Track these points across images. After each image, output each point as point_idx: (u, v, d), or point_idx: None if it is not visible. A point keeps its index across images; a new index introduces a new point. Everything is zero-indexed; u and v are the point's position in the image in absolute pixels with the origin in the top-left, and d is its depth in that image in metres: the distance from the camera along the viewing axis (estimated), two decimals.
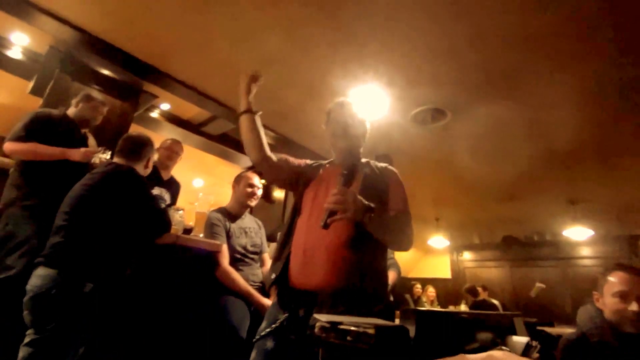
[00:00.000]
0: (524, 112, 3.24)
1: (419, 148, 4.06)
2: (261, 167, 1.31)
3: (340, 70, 2.84)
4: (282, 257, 1.22)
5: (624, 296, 1.26)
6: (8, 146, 1.94)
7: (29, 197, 1.89)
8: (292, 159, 1.39)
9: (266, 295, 1.97)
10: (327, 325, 0.75)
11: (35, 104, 2.89)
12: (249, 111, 1.29)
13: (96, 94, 2.40)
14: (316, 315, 0.84)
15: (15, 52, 3.09)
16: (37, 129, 1.99)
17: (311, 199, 1.26)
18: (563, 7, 2.14)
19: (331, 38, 2.54)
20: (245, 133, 1.29)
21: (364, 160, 1.37)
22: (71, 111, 2.21)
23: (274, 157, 1.33)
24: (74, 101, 2.25)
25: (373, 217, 1.05)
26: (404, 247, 1.22)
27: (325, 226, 1.01)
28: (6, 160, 2.19)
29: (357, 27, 2.43)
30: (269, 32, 2.54)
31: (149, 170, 1.91)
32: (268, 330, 1.12)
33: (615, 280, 1.31)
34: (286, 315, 1.11)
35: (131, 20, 2.58)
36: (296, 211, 1.30)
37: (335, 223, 1.05)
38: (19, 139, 1.94)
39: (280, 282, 1.19)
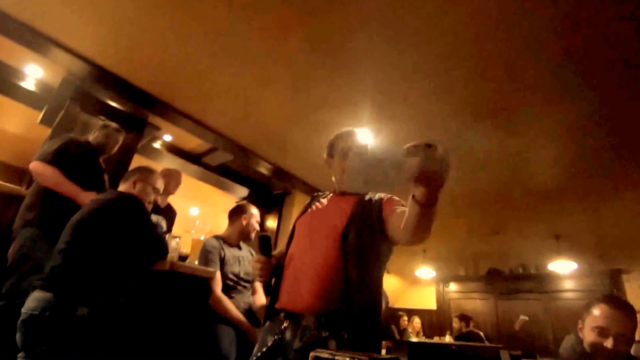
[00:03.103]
0: (511, 149, 3.35)
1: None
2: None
3: (335, 109, 3.04)
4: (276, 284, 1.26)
5: (602, 332, 1.27)
6: (35, 165, 1.97)
7: (45, 219, 1.88)
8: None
9: (255, 321, 2.05)
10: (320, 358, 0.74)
11: (45, 134, 3.01)
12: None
13: (112, 122, 2.44)
14: (312, 353, 0.81)
15: (29, 83, 3.23)
16: (65, 156, 2.03)
17: (307, 225, 1.31)
18: (555, 47, 2.25)
19: (330, 83, 2.76)
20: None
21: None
22: (91, 139, 2.30)
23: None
24: (93, 131, 2.34)
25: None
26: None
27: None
28: (16, 188, 2.30)
29: (352, 77, 2.66)
30: (273, 82, 2.78)
31: (138, 192, 1.85)
32: (259, 354, 1.13)
33: (597, 314, 1.30)
34: (275, 338, 1.12)
35: (141, 57, 2.72)
36: (291, 239, 1.34)
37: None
38: (47, 160, 1.97)
39: (271, 307, 1.22)
